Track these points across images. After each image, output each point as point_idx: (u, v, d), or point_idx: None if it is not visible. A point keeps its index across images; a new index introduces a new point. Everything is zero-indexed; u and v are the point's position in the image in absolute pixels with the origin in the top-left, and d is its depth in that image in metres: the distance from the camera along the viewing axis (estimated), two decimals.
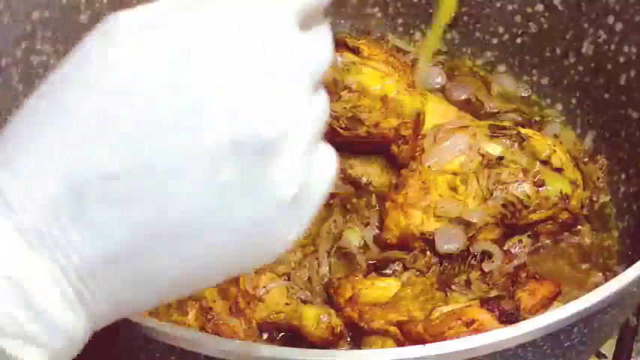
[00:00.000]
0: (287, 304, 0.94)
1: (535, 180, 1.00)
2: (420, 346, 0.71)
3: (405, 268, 0.99)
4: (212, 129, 0.49)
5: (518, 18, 1.21)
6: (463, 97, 1.21)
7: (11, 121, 0.51)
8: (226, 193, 0.50)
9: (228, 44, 0.50)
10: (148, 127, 0.49)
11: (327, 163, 0.57)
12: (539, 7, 1.18)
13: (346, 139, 1.05)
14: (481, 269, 0.98)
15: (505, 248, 1.01)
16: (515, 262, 0.99)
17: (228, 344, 0.71)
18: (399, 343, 0.89)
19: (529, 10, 1.19)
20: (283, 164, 0.51)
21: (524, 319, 0.77)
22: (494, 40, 1.24)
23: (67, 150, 0.49)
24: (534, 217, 1.00)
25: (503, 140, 1.01)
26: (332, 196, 1.06)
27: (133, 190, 0.49)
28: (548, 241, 1.03)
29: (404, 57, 1.19)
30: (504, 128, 1.04)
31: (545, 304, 0.91)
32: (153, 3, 0.52)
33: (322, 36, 0.57)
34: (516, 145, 1.01)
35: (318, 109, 0.55)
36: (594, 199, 1.10)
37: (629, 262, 0.79)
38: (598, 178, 1.12)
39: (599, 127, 1.14)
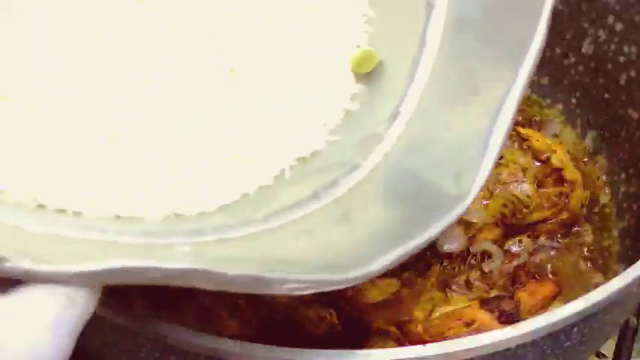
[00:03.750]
0: (287, 304, 0.94)
1: (535, 180, 1.00)
2: (420, 346, 0.71)
3: (405, 268, 0.99)
4: None
5: None
6: None
7: None
8: None
9: None
10: None
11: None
12: None
13: None
14: (481, 269, 0.98)
15: (505, 248, 1.01)
16: (515, 262, 0.99)
17: (228, 344, 0.71)
18: (399, 343, 0.89)
19: None
20: None
21: (524, 319, 0.77)
22: None
23: None
24: (534, 217, 1.00)
25: None
26: None
27: None
28: (548, 241, 1.03)
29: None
30: None
31: (545, 304, 0.91)
32: None
33: None
34: (516, 145, 1.01)
35: None
36: (594, 199, 1.10)
37: (629, 262, 0.79)
38: (598, 178, 1.12)
39: (599, 127, 1.14)
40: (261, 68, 0.74)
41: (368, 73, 0.79)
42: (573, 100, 1.18)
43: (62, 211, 0.61)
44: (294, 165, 0.73)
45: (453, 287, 0.96)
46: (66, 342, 0.50)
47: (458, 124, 0.74)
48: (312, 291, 0.63)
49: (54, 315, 0.49)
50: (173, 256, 0.59)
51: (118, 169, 0.64)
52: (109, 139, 0.65)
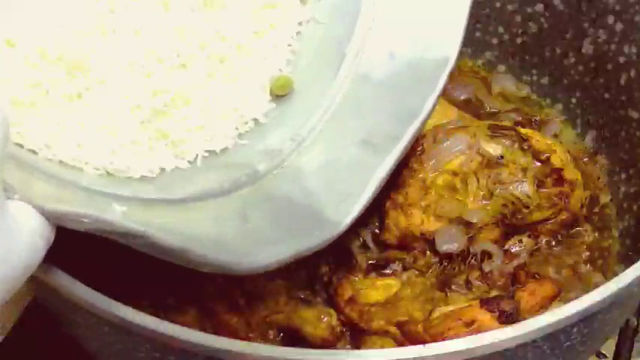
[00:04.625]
0: (287, 304, 0.94)
1: (535, 180, 1.00)
2: (420, 346, 0.71)
3: (405, 268, 0.99)
4: None
5: (518, 18, 1.21)
6: (463, 97, 1.21)
7: None
8: None
9: None
10: None
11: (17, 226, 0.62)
12: (539, 7, 1.18)
13: None
14: (481, 269, 0.98)
15: (505, 248, 1.01)
16: (515, 262, 0.99)
17: (228, 344, 0.71)
18: (399, 343, 0.89)
19: (529, 10, 1.19)
20: None
21: (524, 319, 0.77)
22: (494, 40, 1.24)
23: None
24: (534, 217, 1.00)
25: (503, 140, 1.01)
26: None
27: None
28: (548, 241, 1.03)
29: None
30: (504, 128, 1.03)
31: (545, 304, 0.91)
32: None
33: None
34: (516, 145, 1.01)
35: None
36: (594, 199, 1.10)
37: (629, 262, 0.79)
38: (598, 178, 1.12)
39: (599, 127, 1.14)
40: (203, 69, 0.86)
41: (283, 96, 0.92)
42: (573, 100, 1.18)
43: (20, 145, 0.73)
44: (206, 156, 0.85)
45: (453, 287, 0.96)
46: (44, 244, 0.64)
47: (348, 160, 0.87)
48: (210, 270, 0.73)
49: (39, 221, 0.63)
50: (113, 213, 0.69)
51: (75, 122, 0.77)
52: (77, 98, 0.78)
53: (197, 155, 0.84)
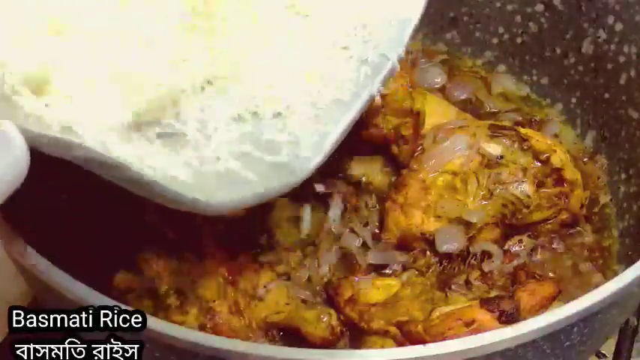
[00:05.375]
0: (287, 304, 0.94)
1: (535, 180, 1.00)
2: (420, 346, 0.71)
3: (405, 268, 0.99)
4: None
5: (518, 18, 1.21)
6: (463, 97, 1.21)
7: None
8: None
9: None
10: None
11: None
12: (539, 7, 1.18)
13: (346, 139, 1.05)
14: (481, 269, 0.98)
15: (505, 248, 1.01)
16: (515, 262, 0.99)
17: (228, 344, 0.71)
18: (399, 343, 0.89)
19: (529, 10, 1.19)
20: None
21: (524, 319, 0.77)
22: (494, 40, 1.24)
23: None
24: (534, 217, 1.00)
25: (503, 140, 1.01)
26: (332, 195, 1.06)
27: None
28: (548, 241, 1.03)
29: (404, 57, 1.19)
30: (504, 128, 1.04)
31: (545, 304, 0.91)
32: None
33: None
34: (516, 144, 1.01)
35: None
36: (594, 199, 1.10)
37: (629, 262, 0.79)
38: (598, 178, 1.12)
39: (599, 127, 1.15)
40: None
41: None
42: (573, 100, 1.18)
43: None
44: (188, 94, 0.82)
45: (453, 287, 0.96)
46: (25, 165, 0.66)
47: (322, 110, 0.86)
48: (177, 207, 0.73)
49: (22, 141, 0.66)
50: (93, 141, 0.70)
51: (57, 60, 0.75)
52: (61, 36, 0.77)
53: (182, 93, 0.83)
